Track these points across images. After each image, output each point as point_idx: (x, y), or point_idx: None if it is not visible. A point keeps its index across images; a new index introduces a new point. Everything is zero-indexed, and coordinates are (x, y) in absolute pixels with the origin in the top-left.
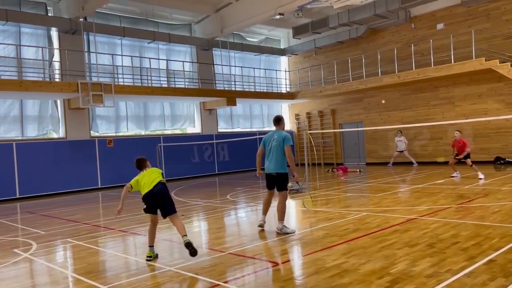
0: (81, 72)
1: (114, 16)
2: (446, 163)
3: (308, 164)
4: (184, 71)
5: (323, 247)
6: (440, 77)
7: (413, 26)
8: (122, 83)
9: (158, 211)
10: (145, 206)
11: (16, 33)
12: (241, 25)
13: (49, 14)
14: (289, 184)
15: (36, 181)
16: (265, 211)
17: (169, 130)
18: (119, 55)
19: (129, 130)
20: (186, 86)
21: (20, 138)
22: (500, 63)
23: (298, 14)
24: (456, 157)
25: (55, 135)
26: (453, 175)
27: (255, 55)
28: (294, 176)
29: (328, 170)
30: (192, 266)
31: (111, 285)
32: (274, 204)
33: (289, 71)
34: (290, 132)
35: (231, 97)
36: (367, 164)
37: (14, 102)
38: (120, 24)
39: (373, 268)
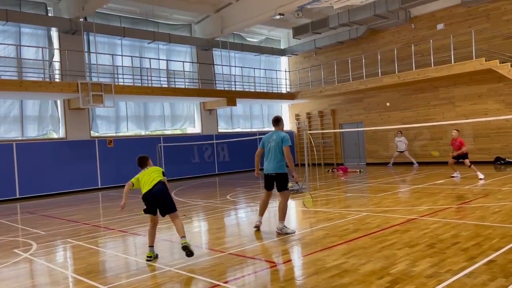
0: (81, 72)
1: (114, 16)
2: (445, 163)
3: (308, 164)
4: (184, 71)
5: (323, 247)
6: (440, 78)
7: (413, 27)
8: (122, 83)
9: (158, 212)
10: (145, 207)
11: (16, 33)
12: (241, 25)
13: (49, 14)
14: (289, 184)
15: (36, 181)
16: (261, 212)
17: (169, 130)
18: (119, 55)
19: (129, 130)
20: (186, 86)
21: (20, 138)
22: (500, 63)
23: (298, 15)
24: (453, 156)
25: (55, 135)
26: (453, 175)
27: (255, 55)
28: (293, 177)
29: (328, 171)
30: (192, 267)
31: (111, 285)
32: (274, 204)
33: (289, 71)
34: (290, 132)
35: (231, 97)
36: (367, 164)
37: (14, 102)
38: (120, 24)
39: (373, 269)
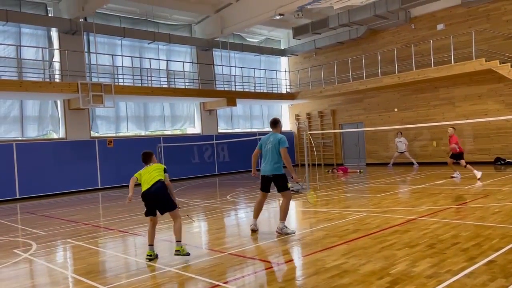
0: (81, 73)
1: (114, 16)
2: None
3: (308, 165)
4: (184, 71)
5: (323, 248)
6: (440, 78)
7: (413, 27)
8: (122, 84)
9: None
10: (145, 209)
11: (16, 34)
12: (241, 25)
13: (49, 15)
14: (289, 185)
15: (36, 181)
16: (256, 215)
17: (169, 130)
18: (119, 55)
19: (129, 130)
20: (186, 87)
21: (20, 138)
22: (500, 63)
23: (298, 15)
24: (450, 156)
25: (55, 136)
26: (453, 175)
27: (255, 56)
28: (292, 178)
29: (328, 171)
30: (192, 267)
31: (111, 286)
32: (274, 205)
33: (289, 72)
34: (290, 133)
35: (231, 97)
36: (367, 164)
37: (14, 102)
38: (120, 24)
39: (373, 269)
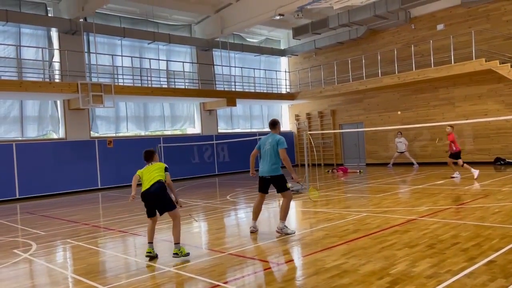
0: (81, 73)
1: (114, 16)
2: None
3: (308, 165)
4: (184, 71)
5: (323, 248)
6: (440, 78)
7: (413, 27)
8: (122, 84)
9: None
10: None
11: (16, 34)
12: (241, 25)
13: (49, 15)
14: (289, 185)
15: (36, 181)
16: (255, 216)
17: (169, 130)
18: (119, 55)
19: (129, 130)
20: (186, 87)
21: (20, 138)
22: (500, 64)
23: (298, 15)
24: (449, 155)
25: (55, 136)
26: (453, 175)
27: (255, 56)
28: (292, 178)
29: (328, 171)
30: (192, 267)
31: (110, 286)
32: (274, 205)
33: (289, 72)
34: (290, 133)
35: (231, 97)
36: (367, 164)
37: (14, 102)
38: (120, 24)
39: (373, 269)
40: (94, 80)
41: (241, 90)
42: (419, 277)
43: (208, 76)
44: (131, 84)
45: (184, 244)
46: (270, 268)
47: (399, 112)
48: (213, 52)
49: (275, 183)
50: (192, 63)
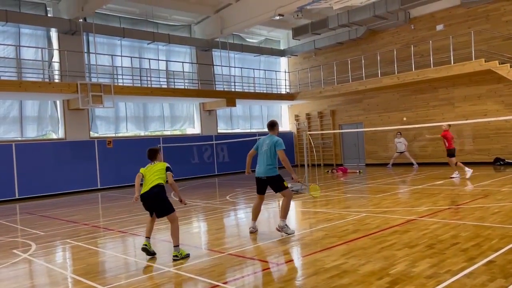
0: (81, 73)
1: (113, 16)
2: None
3: (308, 165)
4: (183, 72)
5: (322, 248)
6: (439, 78)
7: (412, 27)
8: (121, 84)
9: None
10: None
11: (15, 34)
12: (241, 26)
13: (49, 15)
14: (289, 185)
15: (35, 181)
16: (254, 217)
17: (169, 131)
18: (119, 55)
19: (129, 131)
20: (186, 87)
21: (20, 138)
22: (499, 64)
23: (297, 15)
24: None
25: (54, 136)
26: (452, 176)
27: (254, 56)
28: (292, 178)
29: (328, 171)
30: (192, 267)
31: (110, 286)
32: (274, 205)
33: (288, 72)
34: (290, 133)
35: (231, 98)
36: (367, 165)
37: (13, 102)
38: (119, 24)
39: (373, 269)
40: (94, 80)
41: (241, 90)
42: (419, 277)
43: (208, 77)
44: (131, 84)
45: (184, 244)
46: (269, 268)
47: (404, 118)
48: (213, 52)
49: (271, 184)
50: (191, 63)
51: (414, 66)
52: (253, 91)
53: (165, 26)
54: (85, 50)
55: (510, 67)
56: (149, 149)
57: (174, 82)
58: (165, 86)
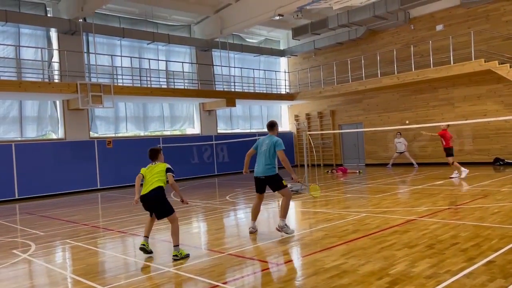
0: (80, 73)
1: (113, 17)
2: (444, 163)
3: (308, 165)
4: (183, 72)
5: (322, 248)
6: (439, 78)
7: (412, 27)
8: (121, 84)
9: None
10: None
11: (15, 34)
12: (241, 26)
13: (49, 15)
14: (289, 185)
15: (35, 182)
16: (254, 217)
17: (169, 131)
18: (119, 56)
19: (129, 131)
20: (186, 87)
21: (19, 138)
22: (499, 64)
23: (297, 15)
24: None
25: (54, 136)
26: (452, 176)
27: (254, 56)
28: (292, 178)
29: (328, 171)
30: (191, 267)
31: (110, 286)
32: (274, 205)
33: (288, 72)
34: (290, 133)
35: (231, 98)
36: (367, 165)
37: (13, 102)
38: (119, 25)
39: (373, 269)
40: (94, 80)
41: (241, 90)
42: (419, 277)
43: (208, 77)
44: (131, 85)
45: (184, 244)
46: (269, 268)
47: (407, 122)
48: (213, 52)
49: (270, 183)
50: (191, 63)
51: (414, 66)
52: (253, 91)
53: (165, 26)
54: (85, 50)
55: (510, 67)
56: (150, 149)
57: (174, 82)
58: (165, 86)
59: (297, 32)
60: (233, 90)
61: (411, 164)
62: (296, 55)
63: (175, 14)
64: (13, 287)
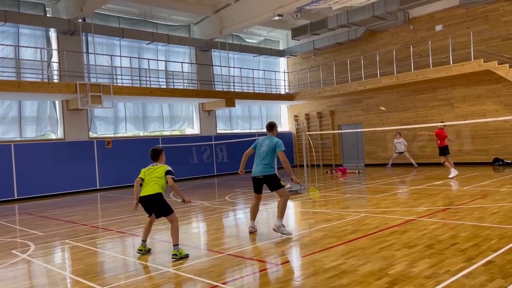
0: (80, 73)
1: (112, 17)
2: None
3: (307, 165)
4: (183, 72)
5: (321, 248)
6: (438, 79)
7: (411, 28)
8: (120, 84)
9: None
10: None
11: (14, 34)
12: (240, 26)
13: (48, 15)
14: (288, 185)
15: (34, 182)
16: (253, 217)
17: (168, 131)
18: (118, 56)
19: (128, 131)
20: (185, 87)
21: (19, 139)
22: (498, 64)
23: (297, 16)
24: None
25: (53, 136)
26: (451, 175)
27: (254, 56)
28: (292, 180)
29: (327, 171)
30: (191, 267)
31: (109, 286)
32: (273, 205)
33: (288, 72)
34: (289, 134)
35: (230, 98)
36: (366, 165)
37: (12, 103)
38: (119, 25)
39: (372, 269)
40: (93, 80)
41: (240, 90)
42: (418, 278)
43: (207, 77)
44: (130, 85)
45: (183, 244)
46: (268, 268)
47: (382, 108)
48: (212, 52)
49: (267, 183)
50: (191, 63)
51: (413, 67)
52: (252, 91)
53: (164, 26)
54: (84, 50)
55: (509, 67)
56: (152, 149)
57: (173, 82)
58: (164, 86)
59: (297, 32)
60: (232, 90)
61: (410, 164)
62: (296, 55)
63: (174, 14)
64: (12, 287)
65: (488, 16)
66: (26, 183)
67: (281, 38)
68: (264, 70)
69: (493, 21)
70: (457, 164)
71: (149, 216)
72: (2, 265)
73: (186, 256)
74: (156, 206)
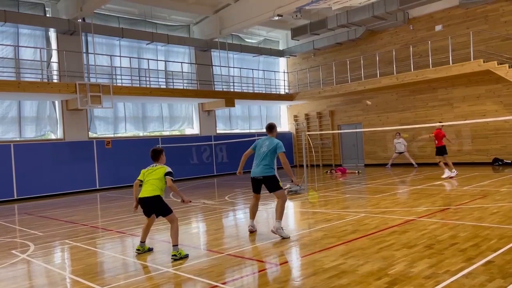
0: (79, 73)
1: (112, 17)
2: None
3: (307, 166)
4: (182, 72)
5: (321, 248)
6: (438, 79)
7: (411, 28)
8: (120, 84)
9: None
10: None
11: (14, 34)
12: (240, 26)
13: (47, 15)
14: (288, 186)
15: (34, 182)
16: (252, 215)
17: (168, 131)
18: (118, 56)
19: (128, 131)
20: (185, 87)
21: (18, 139)
22: (498, 64)
23: (296, 16)
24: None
25: (53, 136)
26: (451, 175)
27: (253, 56)
28: (292, 181)
29: (327, 172)
30: (190, 267)
31: (109, 286)
32: (273, 205)
33: (287, 73)
34: (289, 134)
35: (230, 98)
36: (366, 165)
37: (12, 103)
38: (118, 25)
39: (371, 269)
40: (93, 80)
41: (240, 90)
42: (418, 278)
43: (207, 77)
44: (130, 85)
45: (183, 244)
46: (268, 269)
47: (368, 102)
48: (212, 52)
49: (266, 183)
50: (190, 63)
51: (413, 67)
52: (252, 91)
53: (164, 26)
54: (84, 50)
55: (509, 67)
56: (152, 149)
57: (173, 82)
58: (164, 87)
59: (296, 32)
60: (232, 90)
61: (410, 165)
62: (295, 55)
63: (174, 14)
64: (12, 287)
65: (488, 16)
66: (25, 183)
67: (281, 38)
68: (263, 70)
69: (492, 21)
70: (457, 164)
71: (147, 218)
72: (2, 265)
73: (186, 256)
74: (155, 208)
